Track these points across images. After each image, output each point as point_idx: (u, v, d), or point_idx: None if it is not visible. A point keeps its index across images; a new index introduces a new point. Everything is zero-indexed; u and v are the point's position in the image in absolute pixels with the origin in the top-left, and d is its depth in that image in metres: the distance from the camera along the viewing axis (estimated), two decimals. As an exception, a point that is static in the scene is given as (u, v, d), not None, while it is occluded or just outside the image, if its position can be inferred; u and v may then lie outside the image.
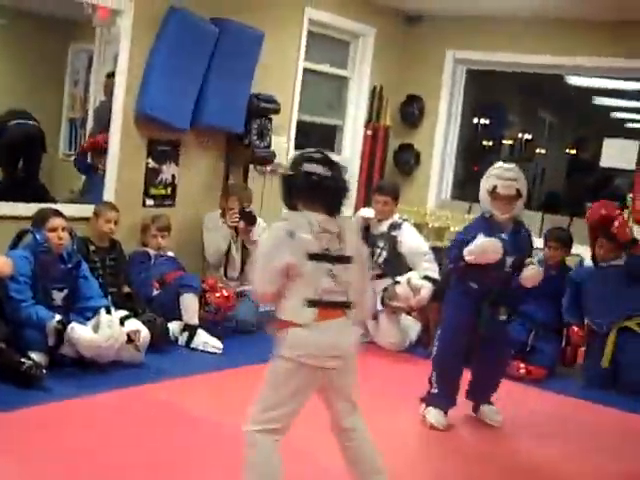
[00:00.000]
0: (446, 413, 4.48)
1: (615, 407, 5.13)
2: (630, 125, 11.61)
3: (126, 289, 5.33)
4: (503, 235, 4.27)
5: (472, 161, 8.95)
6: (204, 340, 5.33)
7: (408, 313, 6.09)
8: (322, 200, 2.97)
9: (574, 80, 9.41)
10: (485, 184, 4.33)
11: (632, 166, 6.95)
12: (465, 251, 4.23)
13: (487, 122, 11.45)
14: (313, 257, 2.91)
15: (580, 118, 12.92)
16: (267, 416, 2.95)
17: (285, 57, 6.61)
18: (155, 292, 5.50)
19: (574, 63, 7.06)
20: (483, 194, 4.33)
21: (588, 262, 6.07)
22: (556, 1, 6.30)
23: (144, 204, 5.79)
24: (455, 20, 7.36)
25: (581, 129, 12.84)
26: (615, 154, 7.28)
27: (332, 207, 3.01)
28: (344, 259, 2.99)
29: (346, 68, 7.44)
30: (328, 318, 2.94)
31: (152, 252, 5.62)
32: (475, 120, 11.17)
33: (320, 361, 2.94)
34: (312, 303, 2.91)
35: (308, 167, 2.98)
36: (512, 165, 4.35)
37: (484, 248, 4.21)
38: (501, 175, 4.28)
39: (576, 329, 5.77)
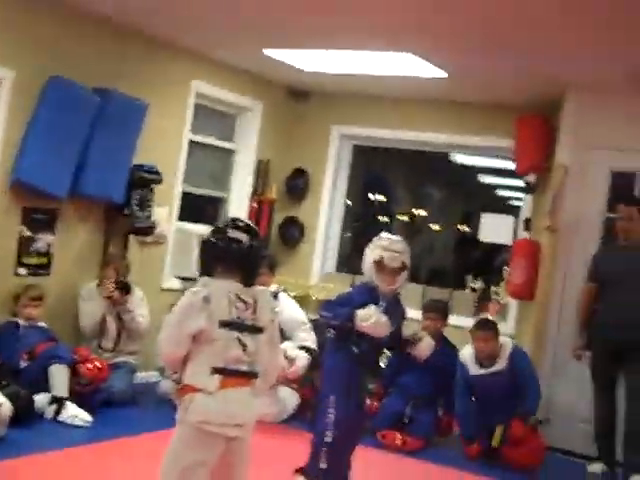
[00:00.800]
0: None
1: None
2: (514, 202, 12.12)
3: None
4: (383, 304, 4.26)
5: (365, 236, 9.10)
6: (72, 413, 5.16)
7: (286, 384, 6.08)
8: (241, 268, 3.05)
9: (460, 158, 9.81)
10: (371, 254, 4.32)
11: (509, 241, 7.22)
12: (358, 315, 4.16)
13: (382, 199, 11.77)
14: (225, 325, 2.96)
15: (466, 195, 13.43)
16: None
17: (171, 128, 6.64)
18: (23, 364, 5.31)
19: (456, 142, 7.36)
20: (368, 264, 4.31)
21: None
22: (437, 85, 6.56)
23: (16, 273, 5.64)
24: (341, 97, 7.59)
25: (467, 205, 13.32)
26: (493, 229, 7.55)
27: (249, 276, 3.08)
28: (255, 329, 3.04)
29: (232, 141, 7.52)
30: (231, 386, 2.98)
31: (22, 322, 5.46)
32: (371, 196, 11.46)
33: (221, 429, 2.96)
34: (217, 370, 2.95)
35: (233, 234, 3.05)
36: (398, 237, 4.42)
37: (377, 321, 4.19)
38: (388, 247, 4.30)
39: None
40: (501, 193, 12.54)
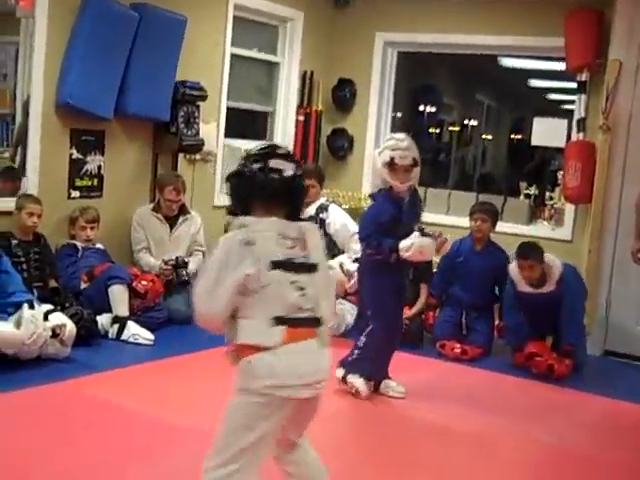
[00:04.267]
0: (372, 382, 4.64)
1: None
2: (566, 106, 11.76)
3: (53, 283, 5.23)
4: (404, 207, 4.47)
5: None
6: (134, 332, 5.25)
7: (343, 297, 6.09)
8: (285, 202, 2.58)
9: (510, 62, 9.50)
10: (380, 158, 4.43)
11: (562, 144, 7.02)
12: (402, 248, 4.36)
13: (431, 109, 11.53)
14: (277, 266, 2.48)
15: (517, 100, 13.08)
16: (230, 469, 2.46)
17: (211, 43, 6.51)
18: (83, 285, 5.39)
19: (505, 43, 7.03)
20: (380, 168, 4.42)
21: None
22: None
23: (69, 196, 5.66)
24: (384, 2, 7.33)
25: (518, 111, 13.00)
26: (545, 133, 7.34)
27: (294, 210, 2.63)
28: (309, 267, 2.56)
29: (275, 53, 7.36)
30: (298, 339, 2.49)
31: (80, 245, 5.52)
32: (420, 107, 11.23)
33: (292, 392, 2.48)
34: (279, 321, 2.46)
35: (275, 164, 2.58)
36: (404, 135, 4.50)
37: (422, 247, 4.38)
38: (396, 146, 4.40)
39: None
40: (553, 97, 12.19)
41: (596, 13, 6.29)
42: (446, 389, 4.95)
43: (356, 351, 4.64)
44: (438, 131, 12.44)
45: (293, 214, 2.62)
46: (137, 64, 5.70)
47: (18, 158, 5.66)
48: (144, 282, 5.53)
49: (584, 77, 6.51)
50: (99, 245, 5.66)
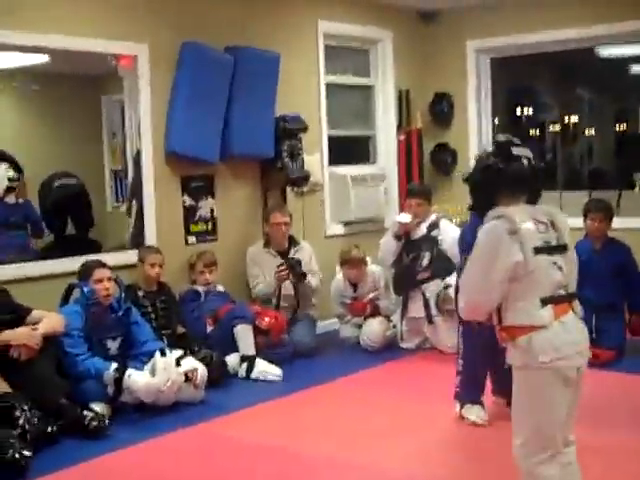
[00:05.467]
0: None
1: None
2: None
3: (180, 329, 5.34)
4: None
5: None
6: (263, 369, 5.30)
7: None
8: (529, 187, 2.82)
9: (607, 51, 9.19)
10: None
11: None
12: None
13: (529, 111, 11.29)
14: (539, 251, 2.70)
15: (618, 91, 12.64)
16: (541, 443, 2.71)
17: (305, 74, 6.58)
18: (209, 328, 5.49)
19: (600, 32, 6.83)
20: None
21: None
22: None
23: (187, 242, 5.80)
24: (470, 10, 7.25)
25: (621, 102, 12.56)
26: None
27: (537, 194, 2.86)
28: (563, 248, 2.80)
29: (369, 76, 7.37)
30: (562, 314, 2.74)
31: (201, 289, 5.62)
32: (518, 111, 11.02)
33: (573, 361, 2.72)
34: (547, 301, 2.70)
35: (518, 152, 2.81)
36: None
37: None
38: None
39: None
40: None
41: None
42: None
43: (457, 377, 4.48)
44: (539, 132, 12.15)
45: (534, 198, 2.84)
46: (237, 105, 5.81)
47: (133, 210, 5.86)
48: (267, 319, 5.59)
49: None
50: (220, 287, 5.75)
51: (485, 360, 4.33)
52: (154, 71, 5.52)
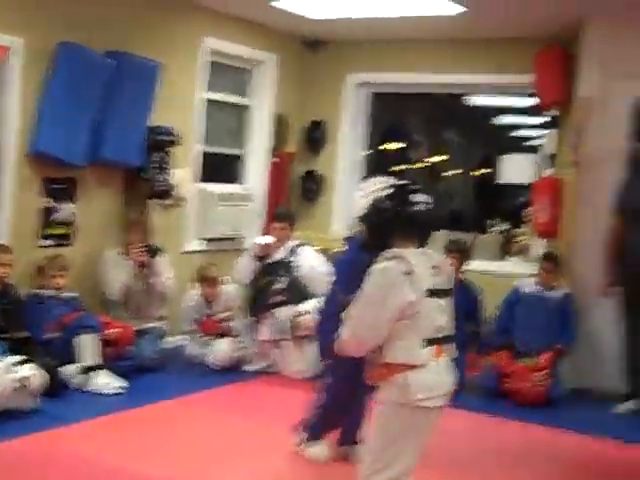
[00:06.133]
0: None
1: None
2: (533, 142, 11.96)
3: (22, 334, 5.12)
4: None
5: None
6: (105, 381, 5.19)
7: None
8: (422, 232, 2.93)
9: (477, 100, 9.63)
10: (363, 202, 4.11)
11: (529, 181, 7.11)
12: None
13: (395, 147, 11.59)
14: (431, 293, 2.82)
15: (484, 137, 13.24)
16: (388, 474, 2.82)
17: (185, 87, 6.53)
18: (51, 335, 5.30)
19: (475, 81, 7.15)
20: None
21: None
22: (452, 23, 6.39)
23: (40, 245, 5.61)
24: (354, 44, 7.41)
25: (485, 148, 13.15)
26: (513, 170, 7.44)
27: (427, 239, 2.96)
28: (447, 292, 2.93)
29: (248, 96, 7.39)
30: (441, 355, 2.86)
31: (48, 293, 5.44)
32: (383, 146, 11.30)
33: (439, 401, 2.86)
34: (429, 342, 2.81)
35: (416, 198, 2.92)
36: (387, 178, 4.32)
37: None
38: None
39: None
40: (520, 133, 12.36)
41: (564, 49, 6.40)
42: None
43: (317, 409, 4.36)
44: (405, 168, 12.47)
45: (424, 242, 2.95)
46: (111, 110, 5.69)
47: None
48: (114, 329, 5.48)
49: (554, 113, 6.61)
50: (68, 293, 5.58)
51: (347, 400, 4.24)
52: (27, 66, 5.33)
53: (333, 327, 4.26)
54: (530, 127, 11.27)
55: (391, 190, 3.02)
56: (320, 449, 4.32)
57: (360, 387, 4.22)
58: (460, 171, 13.52)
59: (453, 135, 13.21)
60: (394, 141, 11.24)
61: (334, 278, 4.51)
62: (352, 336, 2.88)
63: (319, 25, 6.86)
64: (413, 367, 2.80)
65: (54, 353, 5.13)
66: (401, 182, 3.07)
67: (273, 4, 6.18)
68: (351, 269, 4.27)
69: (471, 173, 13.32)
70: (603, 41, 5.98)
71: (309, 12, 6.45)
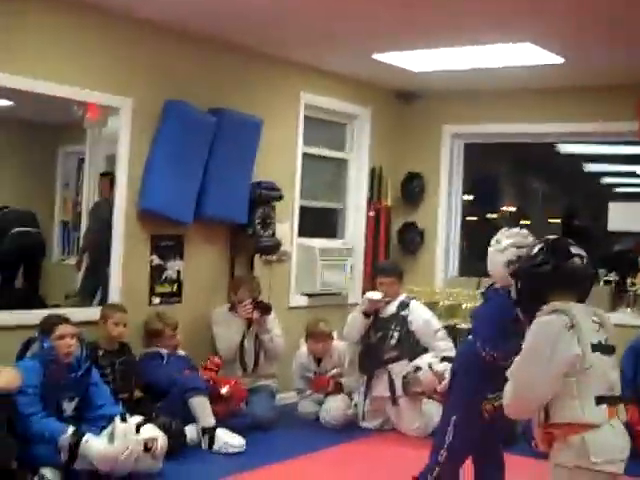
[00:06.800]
0: None
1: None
2: (619, 190, 11.64)
3: (138, 393, 5.08)
4: None
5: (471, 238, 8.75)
6: (224, 440, 5.07)
7: (429, 397, 5.85)
8: (581, 287, 2.80)
9: (564, 147, 9.43)
10: (504, 255, 3.96)
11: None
12: None
13: (475, 197, 11.40)
14: (596, 348, 2.67)
15: (571, 186, 12.94)
16: None
17: (284, 142, 6.52)
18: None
19: (576, 130, 7.00)
20: (500, 267, 3.94)
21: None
22: (541, 72, 6.27)
23: (150, 302, 5.57)
24: (450, 95, 7.32)
25: (572, 196, 12.85)
26: (622, 217, 7.18)
27: (586, 293, 2.82)
28: (613, 350, 2.77)
29: (344, 150, 7.35)
30: (613, 416, 2.69)
31: (164, 352, 5.38)
32: (466, 197, 11.11)
33: (617, 466, 2.66)
34: (601, 400, 2.65)
35: (573, 251, 2.79)
36: (527, 232, 4.07)
37: None
38: (522, 243, 3.92)
39: None
40: (607, 181, 12.07)
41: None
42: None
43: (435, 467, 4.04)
44: (495, 216, 12.22)
45: (584, 298, 2.79)
46: (216, 167, 5.69)
47: (83, 265, 5.65)
48: (227, 386, 5.40)
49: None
50: (181, 351, 5.52)
51: (469, 457, 4.03)
52: (136, 125, 5.38)
53: (469, 383, 4.15)
54: (617, 174, 11.01)
55: (545, 244, 2.85)
56: None
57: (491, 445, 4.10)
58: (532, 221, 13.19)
59: (541, 184, 12.96)
60: (487, 191, 11.03)
61: (474, 333, 4.24)
62: (517, 396, 2.71)
63: (414, 77, 6.81)
64: (588, 427, 2.61)
65: (167, 411, 5.02)
66: (554, 236, 2.91)
67: (374, 57, 6.14)
68: (495, 324, 4.07)
69: (561, 220, 13.00)
70: None
71: (408, 65, 6.40)
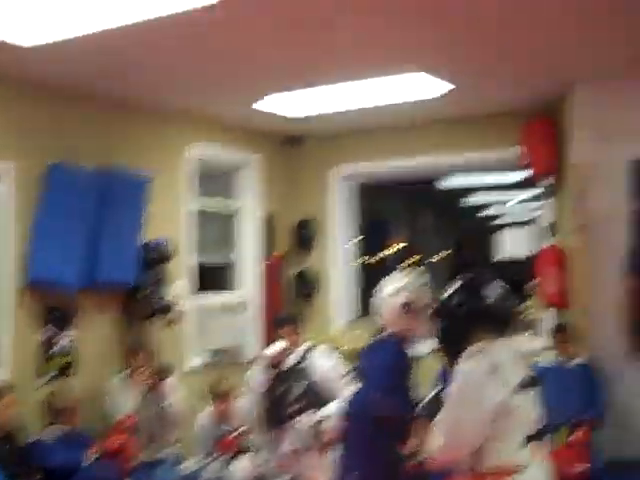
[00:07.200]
0: None
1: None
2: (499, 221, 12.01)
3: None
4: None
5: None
6: None
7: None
8: (503, 322, 2.79)
9: (448, 182, 9.64)
10: (394, 298, 4.04)
11: (528, 253, 7.01)
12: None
13: (367, 237, 11.50)
14: (522, 385, 2.64)
15: (456, 219, 13.26)
16: None
17: (173, 198, 6.38)
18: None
19: (462, 161, 7.04)
20: (393, 310, 4.02)
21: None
22: (428, 104, 6.31)
23: (41, 378, 5.28)
24: (335, 137, 7.33)
25: (458, 229, 13.17)
26: (512, 244, 7.35)
27: (508, 326, 2.80)
28: (535, 381, 2.74)
29: (235, 199, 7.25)
30: (538, 452, 2.65)
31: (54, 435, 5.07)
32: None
33: None
34: (528, 439, 2.62)
35: (492, 290, 2.78)
36: (417, 274, 4.16)
37: None
38: (412, 287, 4.06)
39: None
40: (491, 211, 12.42)
41: (551, 119, 6.37)
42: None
43: None
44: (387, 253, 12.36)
45: (505, 331, 2.77)
46: (103, 230, 5.50)
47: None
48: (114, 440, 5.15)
49: (548, 183, 6.54)
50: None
51: None
52: (20, 190, 5.19)
53: (361, 429, 4.03)
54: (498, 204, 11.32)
55: (459, 286, 2.86)
56: None
57: None
58: (435, 257, 13.47)
59: (428, 218, 13.23)
60: (376, 232, 11.14)
61: (366, 378, 4.20)
62: (448, 444, 2.66)
63: (298, 123, 6.79)
64: (515, 470, 2.60)
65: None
66: (469, 276, 2.89)
67: (258, 104, 6.10)
68: (391, 371, 4.01)
69: (450, 254, 13.28)
70: (591, 106, 5.94)
71: (293, 111, 6.39)
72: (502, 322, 2.79)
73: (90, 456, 5.00)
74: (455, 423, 2.63)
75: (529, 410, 2.66)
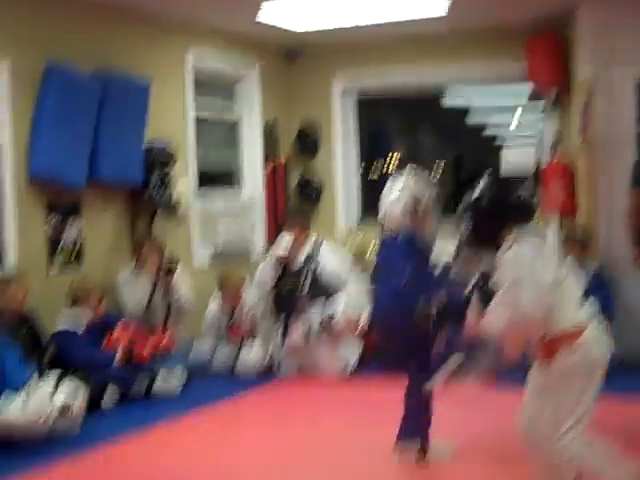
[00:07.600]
0: None
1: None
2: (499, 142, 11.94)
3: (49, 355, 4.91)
4: None
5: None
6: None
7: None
8: (531, 214, 3.32)
9: (449, 101, 9.59)
10: (400, 202, 4.07)
11: (531, 172, 7.04)
12: None
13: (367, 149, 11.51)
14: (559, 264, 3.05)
15: (457, 138, 13.19)
16: (585, 423, 2.98)
17: (174, 103, 6.41)
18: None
19: (466, 74, 7.12)
20: (404, 209, 4.05)
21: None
22: (427, 20, 6.37)
23: (48, 273, 5.38)
24: (337, 51, 7.32)
25: (458, 147, 13.12)
26: (514, 163, 7.39)
27: (532, 219, 3.29)
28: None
29: (237, 108, 7.30)
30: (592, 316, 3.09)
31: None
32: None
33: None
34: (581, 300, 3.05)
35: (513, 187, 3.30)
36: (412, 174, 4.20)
37: None
38: (414, 187, 4.13)
39: None
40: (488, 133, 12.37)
41: (556, 36, 6.39)
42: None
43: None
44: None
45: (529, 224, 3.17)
46: (106, 130, 5.55)
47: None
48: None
49: (552, 95, 6.56)
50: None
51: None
52: (17, 89, 5.16)
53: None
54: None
55: (485, 185, 3.17)
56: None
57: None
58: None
59: (428, 136, 13.17)
60: (376, 144, 11.14)
61: (393, 271, 4.09)
62: (513, 320, 2.99)
63: (298, 36, 6.84)
64: (582, 327, 2.99)
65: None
66: (489, 173, 3.26)
67: (260, 15, 6.12)
68: (422, 255, 4.07)
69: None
70: (599, 23, 5.97)
71: (294, 25, 6.45)
72: (529, 213, 3.21)
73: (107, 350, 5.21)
74: (517, 301, 2.95)
75: (573, 279, 3.07)
